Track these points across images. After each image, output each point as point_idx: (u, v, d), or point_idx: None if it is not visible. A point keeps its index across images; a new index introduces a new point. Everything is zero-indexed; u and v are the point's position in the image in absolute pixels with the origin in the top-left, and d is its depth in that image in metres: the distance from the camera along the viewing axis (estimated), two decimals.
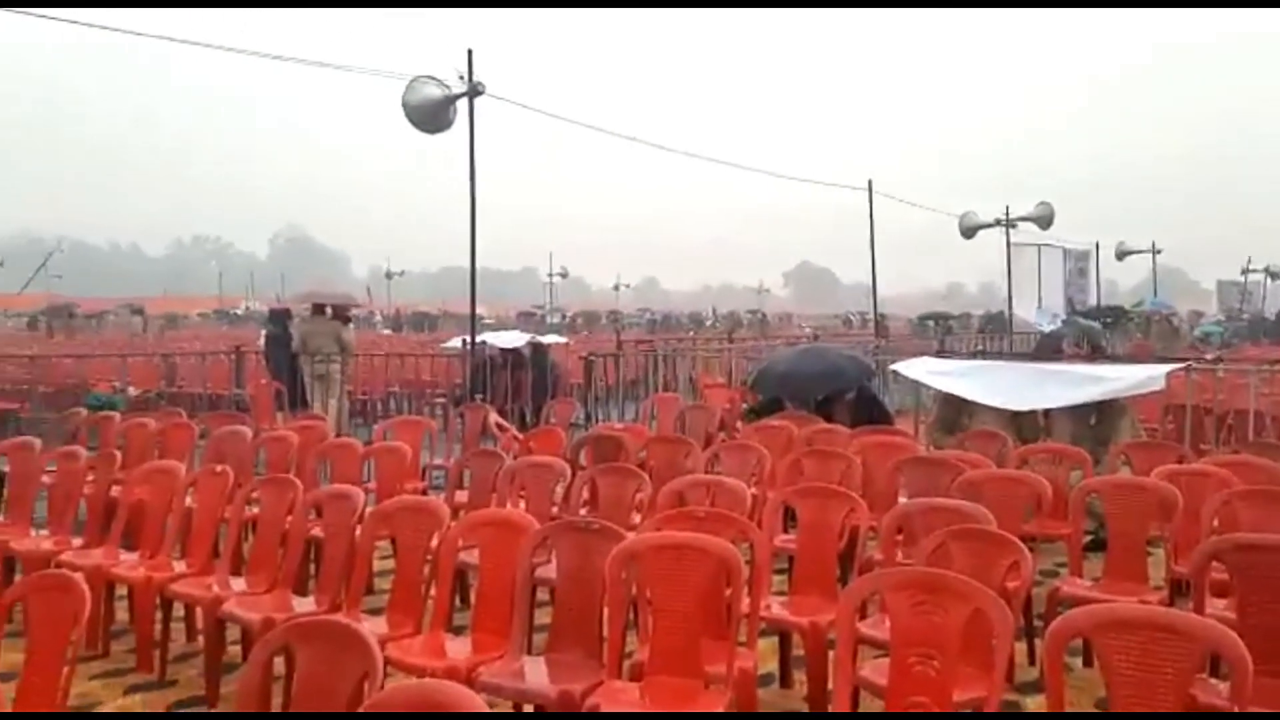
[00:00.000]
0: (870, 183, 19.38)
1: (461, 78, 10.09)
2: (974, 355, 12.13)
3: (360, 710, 2.20)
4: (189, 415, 8.10)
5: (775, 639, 4.37)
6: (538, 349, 13.49)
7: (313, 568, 5.18)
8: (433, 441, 8.17)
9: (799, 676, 4.27)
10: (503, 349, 13.02)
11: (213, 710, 4.28)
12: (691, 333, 36.38)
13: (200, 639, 4.91)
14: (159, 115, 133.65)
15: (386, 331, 40.95)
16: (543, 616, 4.25)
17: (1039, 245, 19.87)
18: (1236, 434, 8.04)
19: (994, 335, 22.03)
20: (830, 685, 3.64)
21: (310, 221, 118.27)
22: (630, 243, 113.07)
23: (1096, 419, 7.05)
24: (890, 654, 3.08)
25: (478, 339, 12.30)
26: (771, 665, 4.38)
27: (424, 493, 6.87)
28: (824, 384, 7.69)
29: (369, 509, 4.59)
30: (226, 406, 11.56)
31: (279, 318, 14.31)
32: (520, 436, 7.94)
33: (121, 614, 5.17)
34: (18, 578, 4.96)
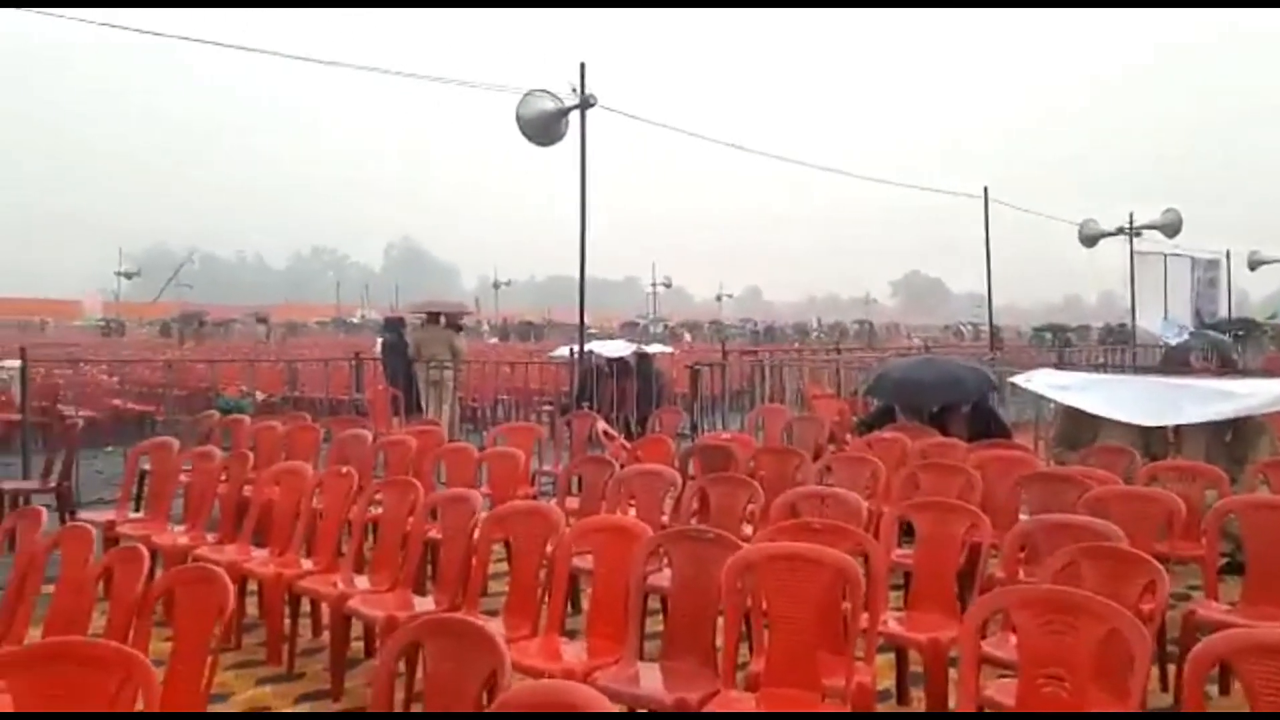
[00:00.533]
0: (986, 190, 18.88)
1: (574, 90, 10.25)
2: (1096, 368, 11.68)
3: (493, 710, 2.25)
4: (312, 419, 8.43)
5: (892, 655, 4.29)
6: (643, 358, 13.58)
7: (429, 568, 5.34)
8: (541, 448, 8.30)
9: (916, 694, 4.18)
10: (609, 358, 13.14)
11: (336, 702, 4.43)
12: (796, 343, 36.08)
13: (325, 634, 5.11)
14: (283, 137, 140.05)
15: (493, 340, 41.84)
16: (652, 624, 4.27)
17: (1165, 254, 19.02)
18: None
19: (1115, 348, 21.16)
20: (952, 704, 3.56)
21: (422, 234, 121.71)
22: (733, 252, 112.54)
23: (1232, 436, 6.72)
24: (1018, 674, 2.99)
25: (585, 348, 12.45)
26: (887, 681, 4.30)
27: (534, 498, 6.99)
28: (941, 394, 7.51)
29: (484, 513, 4.70)
30: (346, 411, 11.99)
31: (395, 326, 14.78)
32: (628, 445, 8.00)
33: (251, 608, 5.41)
34: (158, 572, 5.24)
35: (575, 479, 6.71)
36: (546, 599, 4.16)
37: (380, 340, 14.92)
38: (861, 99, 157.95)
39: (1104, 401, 6.98)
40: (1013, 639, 3.54)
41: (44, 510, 4.21)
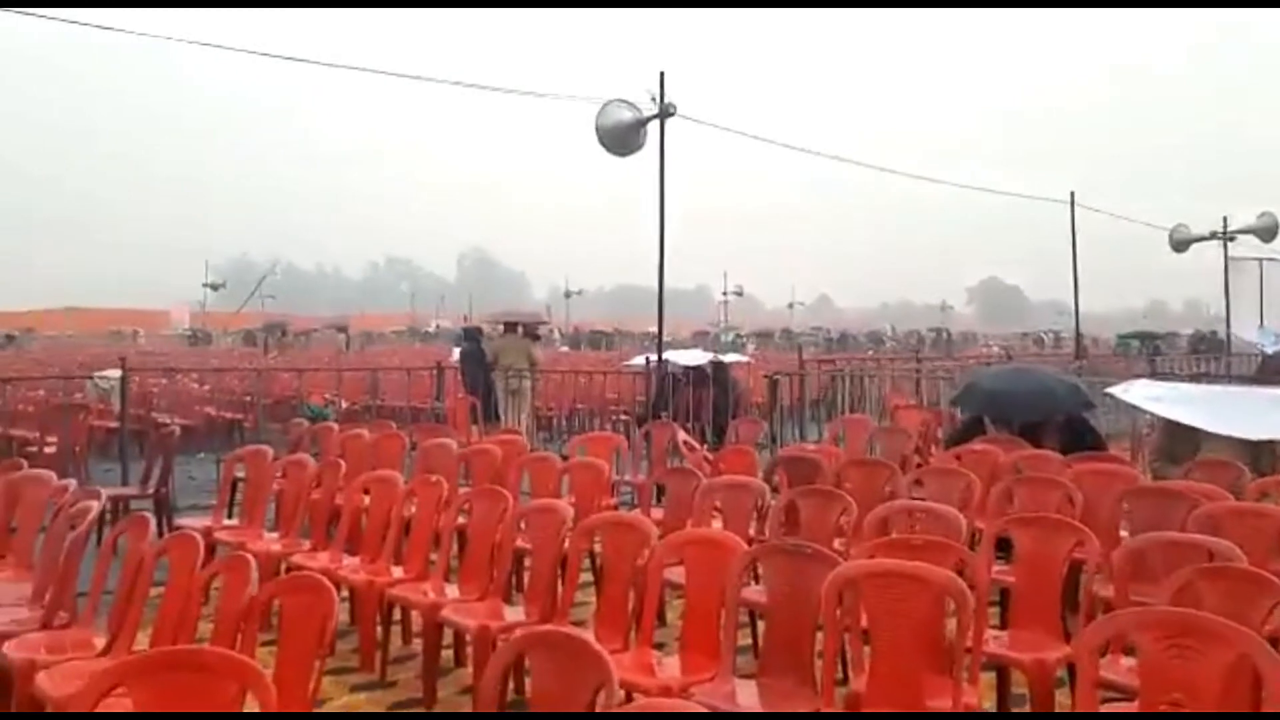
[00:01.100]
0: (1073, 195, 18.39)
1: (653, 99, 10.25)
2: (1193, 378, 11.26)
3: None
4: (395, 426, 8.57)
5: (992, 674, 4.16)
6: (720, 367, 13.50)
7: (513, 577, 5.35)
8: (620, 457, 8.29)
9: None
10: (685, 366, 13.10)
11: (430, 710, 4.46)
12: (871, 351, 35.59)
13: (414, 642, 5.17)
14: (360, 151, 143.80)
15: (565, 349, 42.15)
16: (740, 638, 4.21)
17: (1262, 259, 18.27)
18: None
19: (1208, 356, 20.41)
20: None
21: (493, 243, 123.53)
22: (804, 260, 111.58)
23: None
24: (1139, 699, 2.87)
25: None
26: (988, 703, 4.17)
27: (614, 508, 6.99)
28: (1033, 405, 7.29)
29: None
30: (426, 419, 12.16)
31: (473, 335, 14.98)
32: (710, 456, 7.94)
33: (341, 615, 5.48)
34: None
35: (658, 489, 6.68)
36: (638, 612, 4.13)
37: (459, 349, 15.13)
38: (936, 100, 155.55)
39: (1207, 414, 6.72)
40: (1123, 661, 3.42)
41: (150, 517, 4.31)
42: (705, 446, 9.29)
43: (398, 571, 5.15)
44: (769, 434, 10.40)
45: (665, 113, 10.32)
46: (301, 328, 50.92)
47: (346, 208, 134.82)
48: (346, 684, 4.81)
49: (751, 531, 5.29)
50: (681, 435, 8.84)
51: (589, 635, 4.09)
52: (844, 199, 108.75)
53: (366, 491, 5.80)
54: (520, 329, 13.87)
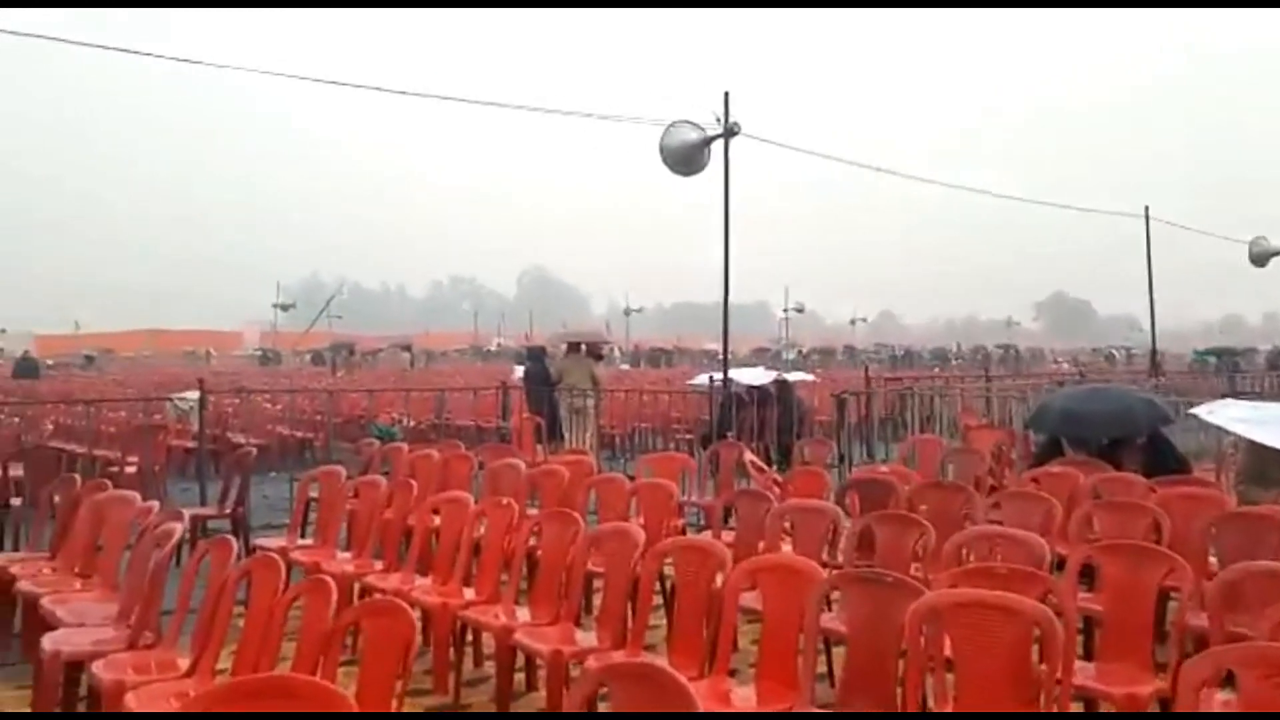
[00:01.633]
0: (1147, 209, 17.94)
1: (718, 119, 10.25)
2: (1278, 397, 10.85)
3: None
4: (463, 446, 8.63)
5: (1080, 706, 4.02)
6: (784, 386, 13.39)
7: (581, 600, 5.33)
8: (687, 478, 8.24)
9: None
10: (749, 385, 13.01)
11: None
12: (937, 368, 35.01)
13: (486, 664, 5.18)
14: (423, 171, 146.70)
15: (625, 366, 42.24)
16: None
17: None
18: None
19: None
20: None
21: (553, 261, 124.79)
22: (865, 275, 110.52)
23: None
24: None
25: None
26: None
27: (682, 530, 6.94)
28: (1112, 426, 7.08)
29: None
30: (491, 438, 12.25)
31: (537, 355, 15.09)
32: (778, 478, 7.86)
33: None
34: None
35: (726, 511, 6.62)
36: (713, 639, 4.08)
37: (522, 368, 15.24)
38: (1001, 115, 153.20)
39: None
40: (1218, 696, 3.28)
41: (233, 540, 4.39)
42: (772, 467, 9.19)
43: (469, 593, 5.17)
44: (837, 454, 10.26)
45: (730, 132, 10.32)
46: (368, 347, 51.81)
47: (411, 227, 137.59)
48: (420, 705, 4.82)
49: (824, 556, 5.21)
50: (749, 456, 8.76)
51: (664, 662, 4.08)
52: (909, 213, 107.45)
53: (436, 512, 5.85)
54: (584, 349, 13.93)
